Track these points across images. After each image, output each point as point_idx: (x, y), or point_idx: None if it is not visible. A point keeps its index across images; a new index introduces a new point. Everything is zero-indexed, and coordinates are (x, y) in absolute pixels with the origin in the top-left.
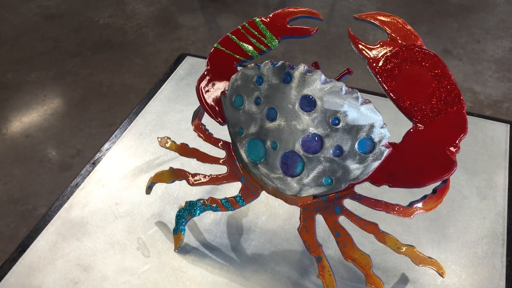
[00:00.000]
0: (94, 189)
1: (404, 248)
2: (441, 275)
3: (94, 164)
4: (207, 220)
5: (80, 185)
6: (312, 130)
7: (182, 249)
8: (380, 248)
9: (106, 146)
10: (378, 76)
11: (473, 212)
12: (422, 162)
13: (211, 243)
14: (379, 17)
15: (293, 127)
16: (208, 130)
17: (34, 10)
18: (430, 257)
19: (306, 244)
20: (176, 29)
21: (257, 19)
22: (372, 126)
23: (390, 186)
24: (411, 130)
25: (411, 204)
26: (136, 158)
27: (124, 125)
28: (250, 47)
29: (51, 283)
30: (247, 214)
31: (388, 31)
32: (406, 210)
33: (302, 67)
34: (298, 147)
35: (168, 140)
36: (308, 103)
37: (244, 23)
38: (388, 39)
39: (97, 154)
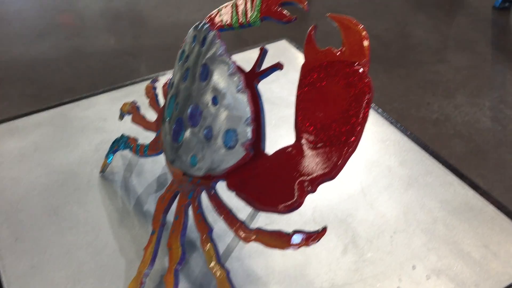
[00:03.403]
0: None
1: (217, 270)
2: None
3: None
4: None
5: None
6: (198, 102)
7: (110, 180)
8: None
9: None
10: (300, 81)
11: None
12: (274, 184)
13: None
14: (346, 23)
15: (190, 94)
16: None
17: None
18: None
19: (154, 213)
20: None
21: None
22: (240, 119)
23: (235, 194)
24: (288, 148)
25: (256, 229)
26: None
27: None
28: (236, 17)
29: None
30: None
31: (344, 40)
32: (244, 231)
33: (211, 34)
34: (186, 115)
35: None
36: (204, 73)
37: None
38: (339, 49)
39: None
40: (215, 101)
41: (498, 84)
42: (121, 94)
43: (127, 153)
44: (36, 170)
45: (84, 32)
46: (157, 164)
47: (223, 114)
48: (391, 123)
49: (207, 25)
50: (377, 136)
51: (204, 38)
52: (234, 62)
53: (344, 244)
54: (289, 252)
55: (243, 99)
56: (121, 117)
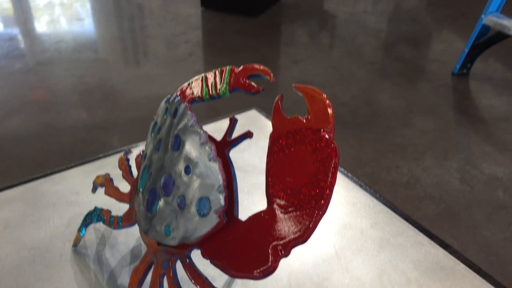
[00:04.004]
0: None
1: None
2: None
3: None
4: (123, 249)
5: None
6: (171, 171)
7: (83, 255)
8: None
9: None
10: (269, 148)
11: None
12: (248, 250)
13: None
14: (310, 93)
15: (163, 164)
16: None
17: None
18: None
19: (128, 286)
20: None
21: (229, 67)
22: (212, 187)
23: (210, 262)
24: (260, 213)
25: None
26: None
27: None
28: (206, 90)
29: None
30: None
31: (309, 108)
32: None
33: (182, 106)
34: (159, 185)
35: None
36: (177, 143)
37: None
38: (305, 117)
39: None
40: (187, 170)
41: (463, 146)
42: (94, 167)
43: (100, 225)
44: (6, 247)
45: (56, 108)
46: (131, 236)
47: (196, 183)
48: (361, 186)
49: (178, 98)
50: (348, 199)
51: (176, 110)
52: (205, 132)
53: None
54: None
55: (215, 167)
56: (94, 190)
